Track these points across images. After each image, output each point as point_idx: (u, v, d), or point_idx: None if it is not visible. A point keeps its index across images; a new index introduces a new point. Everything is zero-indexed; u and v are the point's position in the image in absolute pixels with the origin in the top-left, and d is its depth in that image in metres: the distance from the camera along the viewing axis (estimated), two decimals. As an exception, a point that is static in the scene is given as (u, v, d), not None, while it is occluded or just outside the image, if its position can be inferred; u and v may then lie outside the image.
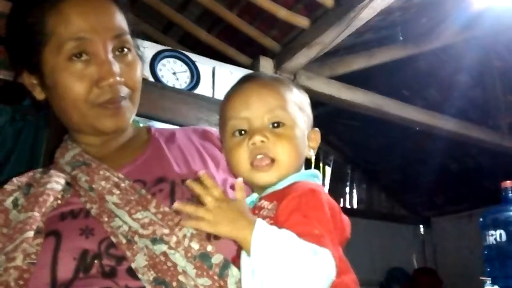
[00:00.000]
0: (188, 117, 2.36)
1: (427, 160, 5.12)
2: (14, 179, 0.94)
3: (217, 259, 0.80)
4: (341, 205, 5.66)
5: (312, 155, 0.97)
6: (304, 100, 0.98)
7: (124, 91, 0.96)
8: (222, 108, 0.96)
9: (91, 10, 0.95)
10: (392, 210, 6.16)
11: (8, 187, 0.92)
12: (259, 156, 0.88)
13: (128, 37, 0.99)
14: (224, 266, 0.79)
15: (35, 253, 0.83)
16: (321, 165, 5.59)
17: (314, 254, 0.71)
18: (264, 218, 0.81)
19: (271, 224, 0.79)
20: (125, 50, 0.98)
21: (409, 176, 5.66)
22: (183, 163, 0.99)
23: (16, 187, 0.93)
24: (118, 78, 0.93)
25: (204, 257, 0.80)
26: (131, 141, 1.06)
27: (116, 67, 0.94)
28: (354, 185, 5.99)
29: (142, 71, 1.03)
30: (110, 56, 0.94)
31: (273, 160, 0.88)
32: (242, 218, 0.77)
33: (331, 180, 5.78)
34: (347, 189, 5.92)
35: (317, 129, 0.99)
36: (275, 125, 0.90)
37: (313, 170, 0.94)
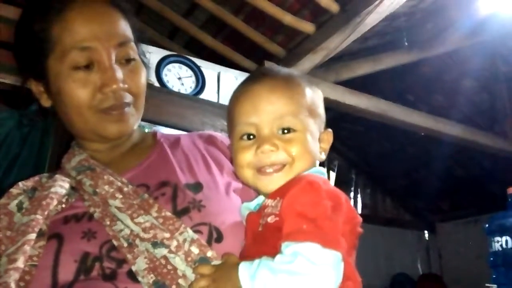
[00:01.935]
0: (193, 122, 2.37)
1: (432, 165, 5.11)
2: (20, 183, 0.95)
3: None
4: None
5: (323, 157, 0.94)
6: (316, 99, 0.95)
7: (127, 97, 0.97)
8: (231, 109, 0.94)
9: (95, 19, 0.96)
10: (396, 215, 6.14)
11: (13, 190, 0.93)
12: (268, 167, 0.87)
13: (132, 44, 1.00)
14: None
15: (37, 256, 0.83)
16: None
17: (293, 258, 0.72)
18: (268, 215, 0.81)
19: (275, 221, 0.80)
20: (130, 60, 0.99)
21: (414, 181, 5.64)
22: (187, 168, 1.00)
23: (21, 191, 0.94)
24: (121, 85, 0.94)
25: (204, 261, 0.81)
26: (136, 146, 1.07)
27: (120, 74, 0.95)
28: (359, 190, 5.98)
29: (147, 77, 1.04)
30: (113, 63, 0.95)
31: (283, 165, 0.87)
32: (233, 273, 0.76)
33: (335, 185, 5.72)
34: (352, 194, 5.91)
35: (329, 129, 0.97)
36: (285, 131, 0.87)
37: (318, 168, 0.92)
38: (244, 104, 0.90)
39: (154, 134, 1.12)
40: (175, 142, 1.08)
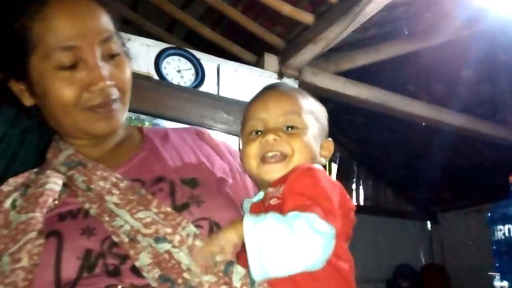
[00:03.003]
0: (192, 115, 2.35)
1: (434, 156, 5.09)
2: (10, 180, 0.93)
3: (221, 257, 0.81)
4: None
5: (324, 162, 1.03)
6: (320, 110, 1.05)
7: (115, 93, 0.95)
8: (244, 112, 1.04)
9: (77, 15, 0.92)
10: (398, 206, 6.13)
11: (4, 188, 0.91)
12: (270, 154, 0.95)
13: (115, 38, 0.97)
14: (229, 263, 0.80)
15: (37, 254, 0.82)
16: (327, 162, 5.56)
17: (295, 218, 0.78)
18: (270, 199, 0.88)
19: (278, 203, 0.86)
20: (114, 55, 0.96)
21: (415, 171, 5.62)
22: (180, 163, 0.99)
23: (13, 188, 0.92)
24: (108, 82, 0.92)
25: None
26: (124, 141, 1.05)
27: (106, 71, 0.92)
28: (360, 181, 5.97)
29: (130, 69, 1.01)
30: (99, 60, 0.92)
31: (285, 156, 0.95)
32: (230, 229, 0.82)
33: (337, 176, 5.75)
34: (353, 186, 5.91)
35: (330, 139, 1.05)
36: (289, 128, 0.97)
37: (316, 164, 0.98)
38: (256, 105, 1.01)
39: (140, 129, 1.11)
40: (164, 137, 1.07)
